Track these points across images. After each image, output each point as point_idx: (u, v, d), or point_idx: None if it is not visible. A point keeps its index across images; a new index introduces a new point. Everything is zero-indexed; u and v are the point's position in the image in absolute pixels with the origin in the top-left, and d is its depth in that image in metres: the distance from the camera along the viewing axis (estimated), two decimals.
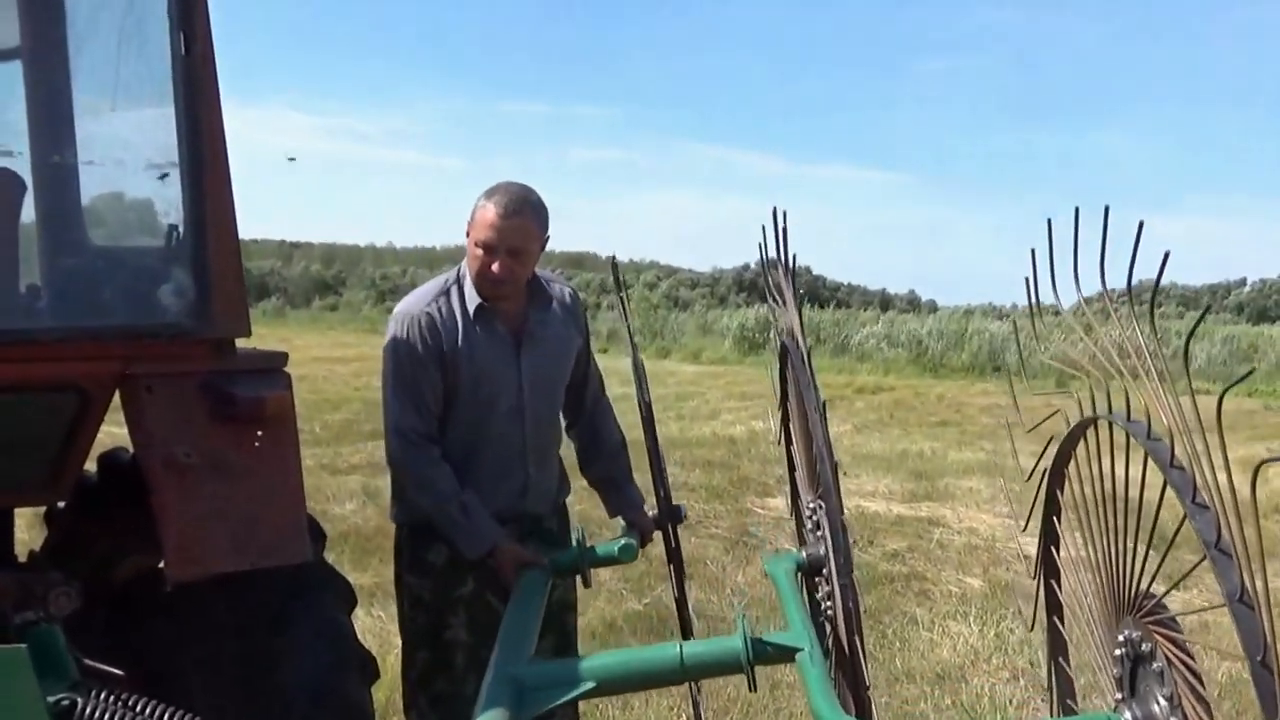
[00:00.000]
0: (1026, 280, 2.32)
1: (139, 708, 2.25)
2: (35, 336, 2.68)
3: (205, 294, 2.76)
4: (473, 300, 3.47)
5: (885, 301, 61.06)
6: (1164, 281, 1.99)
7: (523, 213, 3.38)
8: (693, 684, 3.93)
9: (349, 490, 9.76)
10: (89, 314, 2.82)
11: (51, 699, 2.17)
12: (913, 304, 63.31)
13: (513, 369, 3.53)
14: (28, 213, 2.88)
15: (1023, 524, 2.87)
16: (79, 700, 2.20)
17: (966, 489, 11.26)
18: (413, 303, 3.53)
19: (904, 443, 14.55)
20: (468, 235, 3.44)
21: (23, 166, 2.93)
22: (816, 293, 54.45)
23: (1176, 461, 1.97)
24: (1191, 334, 1.84)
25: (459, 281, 3.53)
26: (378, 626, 5.83)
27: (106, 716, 2.21)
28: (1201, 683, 2.11)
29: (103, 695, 2.24)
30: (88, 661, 2.35)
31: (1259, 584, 1.73)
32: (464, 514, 3.39)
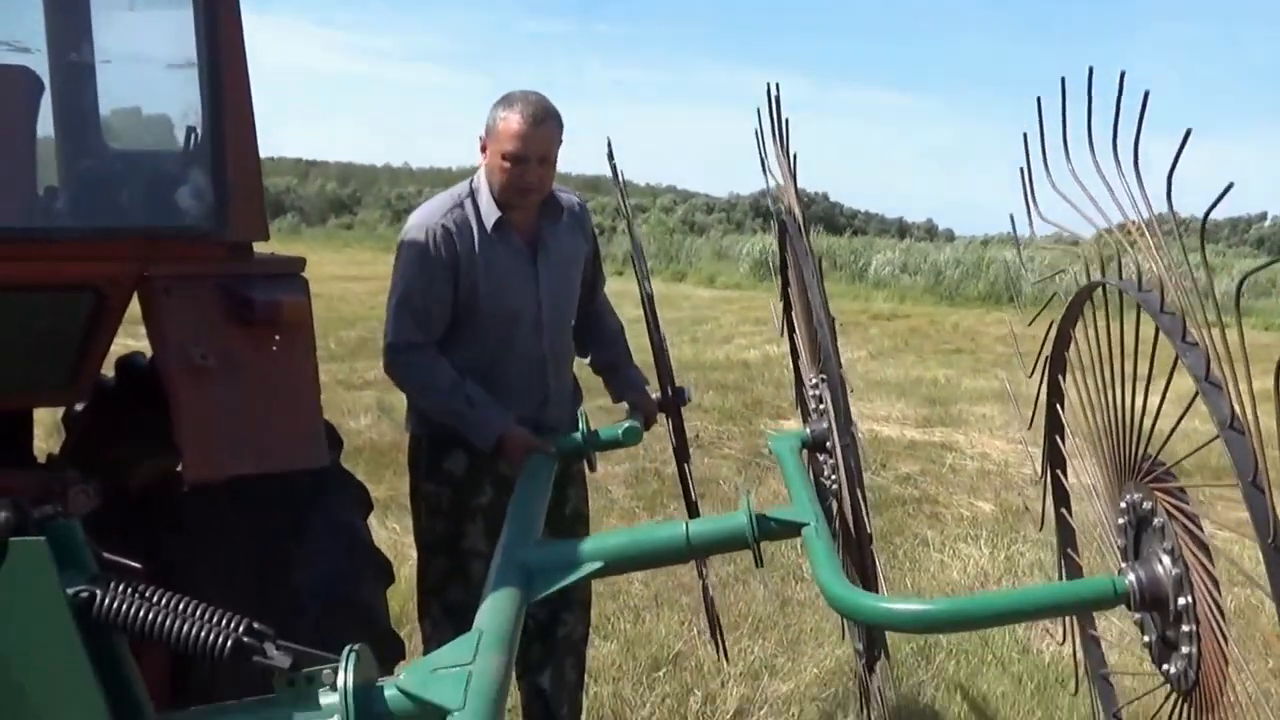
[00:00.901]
0: (1021, 170, 2.31)
1: (157, 599, 2.27)
2: (53, 235, 2.68)
3: (223, 197, 2.76)
4: (491, 213, 3.46)
5: (903, 230, 60.60)
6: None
7: (548, 120, 3.37)
8: (707, 596, 3.97)
9: (364, 405, 9.81)
10: (106, 215, 2.82)
11: (71, 591, 2.19)
12: (930, 233, 62.89)
13: (530, 280, 3.53)
14: (45, 113, 2.87)
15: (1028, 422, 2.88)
16: (98, 592, 2.22)
17: (979, 415, 11.27)
18: (427, 215, 3.51)
19: (918, 369, 14.54)
20: (484, 149, 3.42)
21: (41, 67, 2.92)
22: (834, 219, 54.19)
23: (1168, 308, 1.99)
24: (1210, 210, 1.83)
25: (473, 194, 3.51)
26: (392, 539, 5.88)
27: (125, 608, 2.23)
28: (1202, 531, 2.13)
29: (121, 587, 2.26)
30: (106, 555, 2.37)
31: (1249, 411, 1.77)
32: (469, 405, 3.38)
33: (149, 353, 3.32)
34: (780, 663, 5.01)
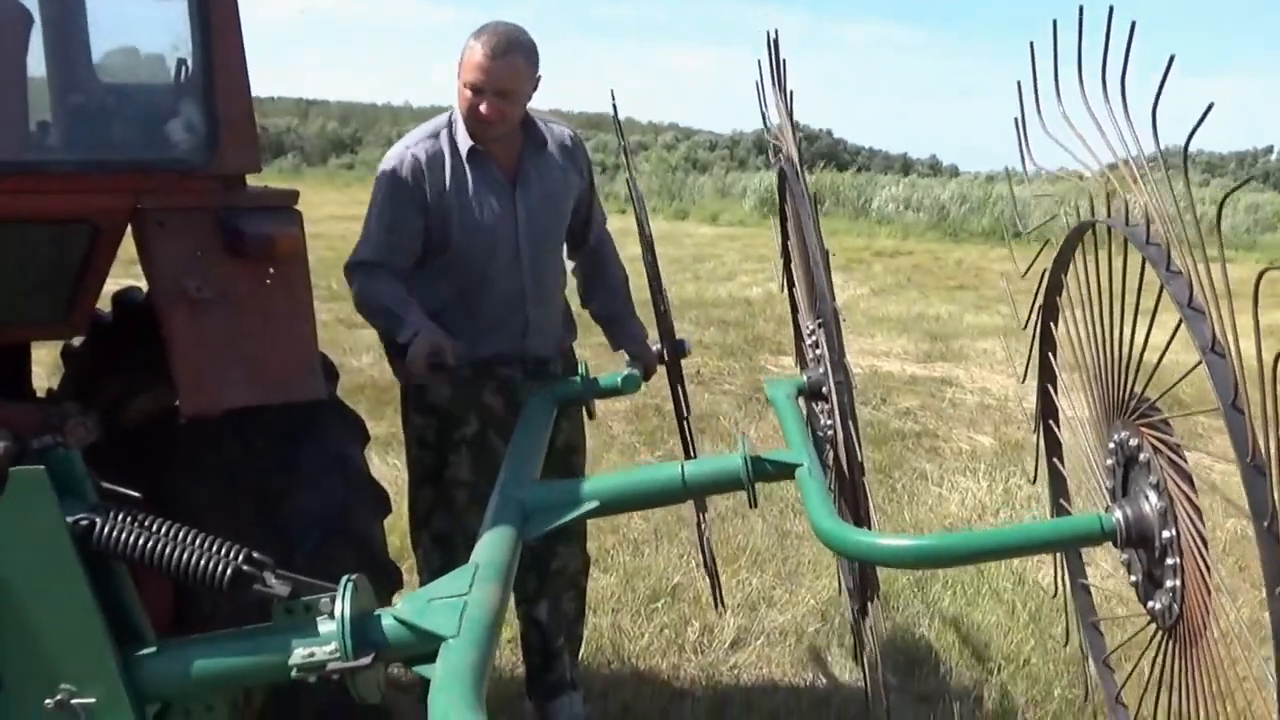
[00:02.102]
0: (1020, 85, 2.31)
1: (156, 528, 2.31)
2: (46, 169, 2.68)
3: (214, 130, 2.75)
4: (464, 143, 3.46)
5: (906, 166, 60.31)
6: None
7: (511, 52, 3.32)
8: (703, 531, 4.01)
9: (365, 343, 9.80)
10: (99, 148, 2.81)
11: (71, 519, 2.22)
12: (934, 168, 62.55)
13: (508, 211, 3.51)
14: (35, 45, 2.85)
15: (1022, 372, 2.89)
16: (98, 520, 2.25)
17: (981, 350, 11.29)
18: (401, 145, 3.53)
19: (920, 305, 14.54)
20: (458, 77, 3.40)
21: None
22: (837, 156, 53.81)
23: (1153, 240, 2.01)
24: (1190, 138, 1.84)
25: (451, 125, 3.51)
26: (392, 474, 5.90)
27: (125, 536, 2.26)
28: (1189, 475, 2.16)
29: (121, 516, 2.29)
30: (105, 485, 2.40)
31: (1229, 336, 1.81)
32: (402, 306, 3.35)
33: (145, 289, 3.35)
34: (777, 594, 5.06)
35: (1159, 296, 2.06)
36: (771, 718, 3.96)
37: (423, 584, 3.63)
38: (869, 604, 3.08)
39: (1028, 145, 2.43)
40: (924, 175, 44.00)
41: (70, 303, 2.81)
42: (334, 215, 19.22)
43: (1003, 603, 4.92)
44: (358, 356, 9.29)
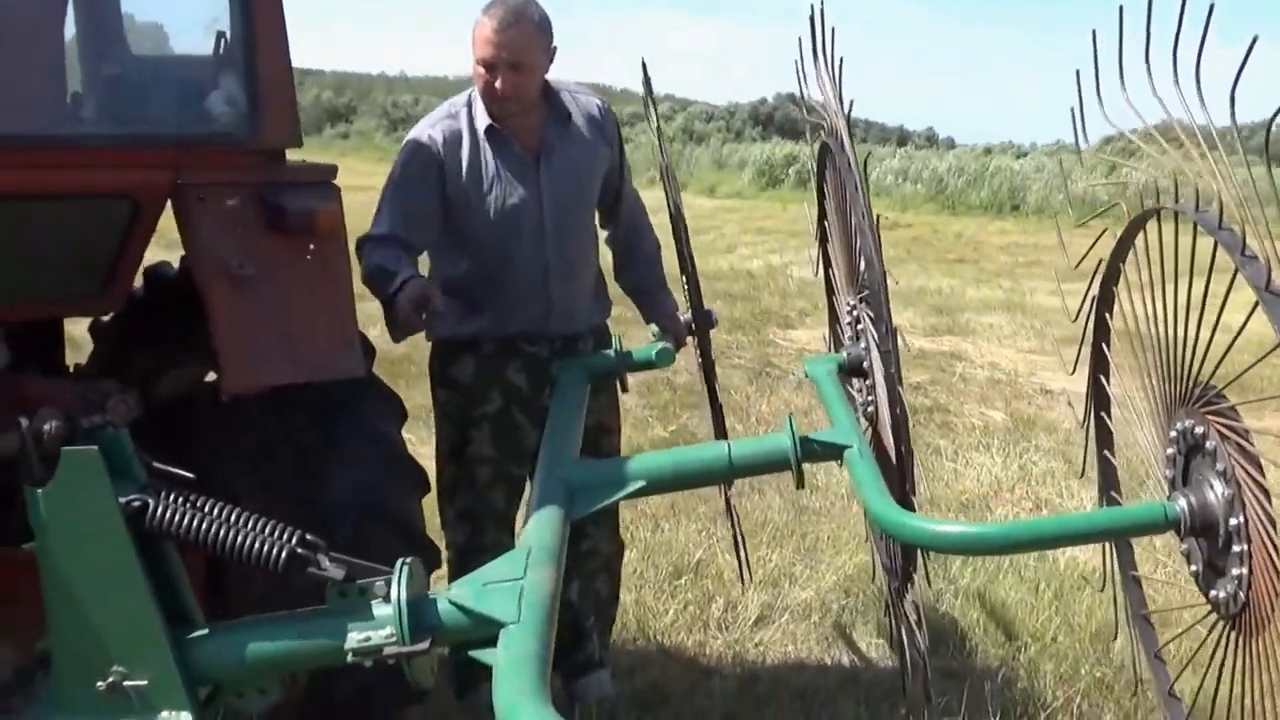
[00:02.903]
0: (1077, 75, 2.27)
1: (209, 509, 2.28)
2: (86, 143, 2.63)
3: (255, 103, 2.71)
4: (483, 121, 3.41)
5: (903, 138, 60.21)
6: (1241, 120, 1.96)
7: (520, 23, 3.26)
8: (731, 505, 3.99)
9: (371, 316, 9.75)
10: (139, 121, 2.77)
11: (124, 499, 2.20)
12: (930, 140, 62.46)
13: (532, 187, 3.45)
14: (70, 19, 2.81)
15: (1071, 366, 2.86)
16: (150, 501, 2.22)
17: (987, 325, 11.27)
18: (420, 125, 3.49)
19: (921, 279, 14.51)
20: (471, 54, 3.35)
21: None
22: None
23: (1225, 224, 1.97)
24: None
25: (469, 104, 3.46)
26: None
27: (178, 517, 2.23)
28: (1254, 446, 2.14)
29: (174, 497, 2.26)
30: (156, 464, 2.37)
31: None
32: (395, 262, 3.24)
33: (176, 264, 3.31)
34: (798, 570, 5.04)
35: (1231, 281, 2.04)
36: (800, 695, 3.95)
37: (449, 560, 3.65)
38: (910, 583, 3.07)
39: (1084, 133, 2.39)
40: (920, 147, 43.89)
41: (108, 278, 2.77)
42: None
43: (1024, 581, 4.90)
44: (365, 329, 9.22)
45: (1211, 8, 1.94)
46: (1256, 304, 1.93)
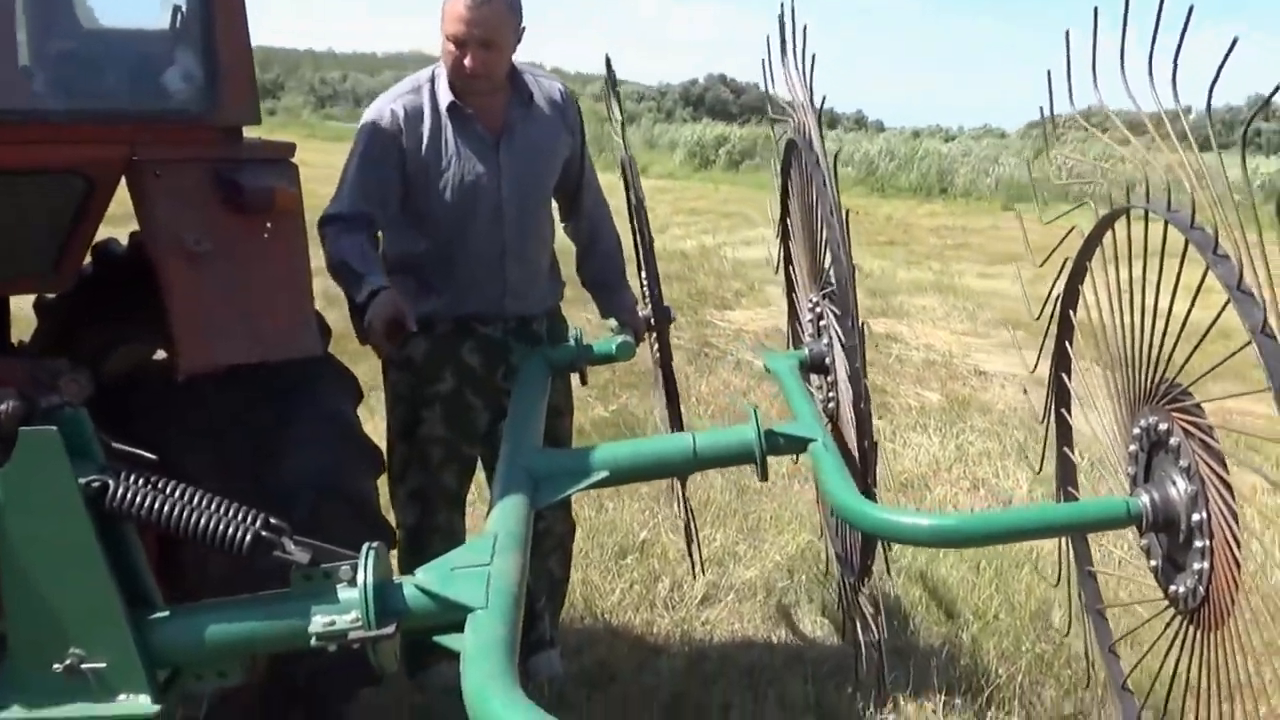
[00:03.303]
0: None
1: (170, 491, 2.24)
2: (41, 119, 2.57)
3: (213, 79, 2.66)
4: (445, 98, 3.39)
5: (832, 120, 60.39)
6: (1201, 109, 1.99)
7: (493, 1, 3.24)
8: (683, 493, 4.01)
9: (328, 297, 9.65)
10: (94, 97, 2.71)
11: (83, 480, 2.16)
12: (860, 123, 62.80)
13: (492, 167, 3.44)
14: None
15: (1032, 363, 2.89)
16: (110, 482, 2.19)
17: (920, 306, 11.40)
18: (381, 100, 3.46)
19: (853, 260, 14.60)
20: (441, 31, 3.33)
21: None
22: (764, 110, 53.65)
23: (1197, 224, 2.01)
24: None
25: (432, 80, 3.44)
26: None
27: (139, 499, 2.20)
28: (1218, 443, 2.18)
29: (134, 478, 2.22)
30: (116, 445, 2.33)
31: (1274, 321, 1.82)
32: (363, 262, 3.22)
33: (125, 241, 3.25)
34: (742, 550, 5.08)
35: (1202, 280, 2.07)
36: (747, 673, 3.98)
37: (400, 539, 3.63)
38: (869, 574, 3.11)
39: (1055, 134, 2.42)
40: (850, 129, 44.13)
41: (60, 255, 2.71)
42: None
43: (965, 559, 4.97)
44: (322, 308, 9.14)
45: (1191, 9, 1.97)
46: (1228, 302, 1.96)
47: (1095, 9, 2.16)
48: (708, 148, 31.51)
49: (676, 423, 3.83)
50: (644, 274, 3.68)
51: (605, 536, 5.08)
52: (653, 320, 3.75)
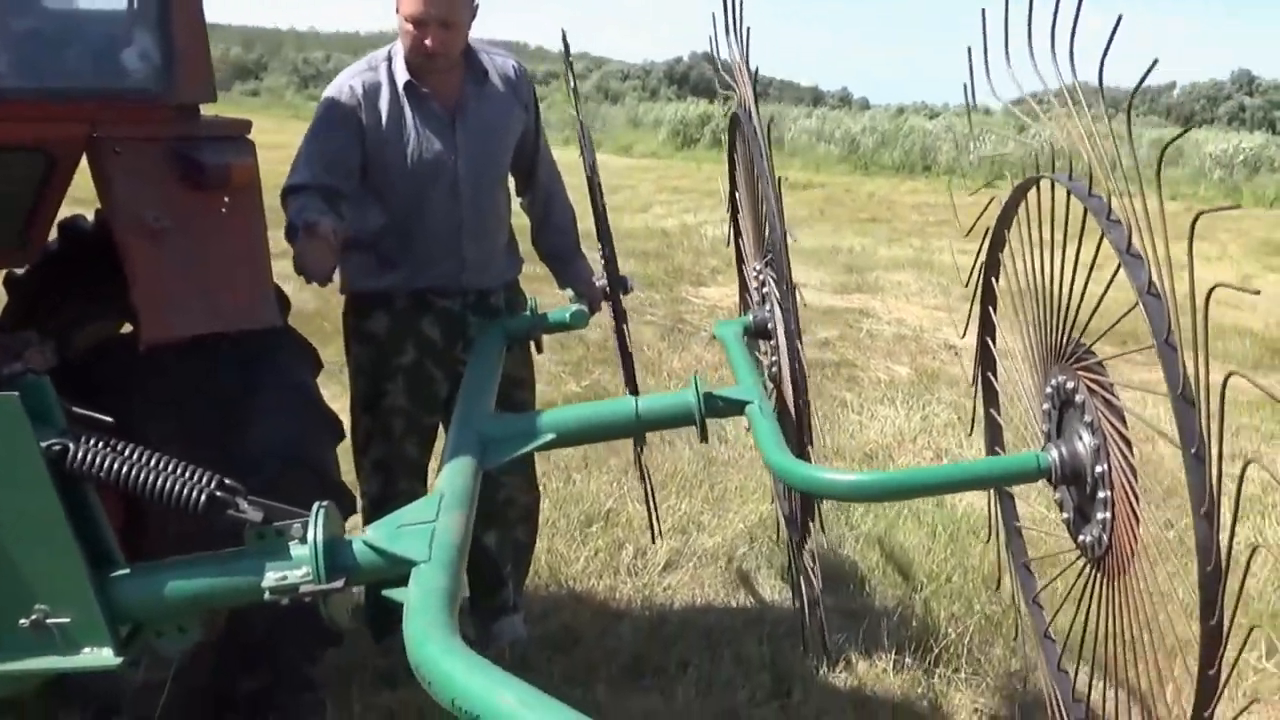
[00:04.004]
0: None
1: (128, 453, 2.34)
2: (3, 96, 2.66)
3: (169, 59, 2.76)
4: (402, 76, 3.48)
5: (817, 98, 60.50)
6: (1111, 85, 2.10)
7: None
8: (642, 463, 4.12)
9: (283, 273, 9.72)
10: (54, 76, 2.80)
11: (44, 443, 2.25)
12: (845, 101, 62.88)
13: (448, 144, 3.53)
14: None
15: (963, 325, 2.99)
16: (70, 445, 2.28)
17: (895, 282, 11.51)
18: (340, 78, 3.55)
19: (834, 239, 14.74)
20: (397, 11, 3.42)
21: None
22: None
23: (1094, 192, 2.12)
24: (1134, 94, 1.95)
25: (389, 59, 3.53)
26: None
27: (98, 460, 2.30)
28: (1118, 399, 2.30)
29: (93, 441, 2.32)
30: (76, 410, 2.43)
31: (1166, 281, 1.93)
32: (317, 211, 3.21)
33: (91, 217, 3.34)
34: (706, 519, 5.20)
35: (1098, 245, 2.19)
36: (706, 636, 4.10)
37: (363, 509, 3.74)
38: (808, 532, 3.22)
39: (974, 104, 2.52)
40: (835, 108, 44.20)
41: (25, 231, 2.81)
42: None
43: (923, 525, 5.11)
44: (283, 284, 9.21)
45: (1119, 18, 2.09)
46: (1119, 266, 2.08)
47: None
48: (691, 126, 31.58)
49: (631, 386, 3.93)
50: (601, 244, 3.77)
51: (572, 507, 5.19)
52: (609, 290, 3.84)
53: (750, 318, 3.51)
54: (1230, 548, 1.91)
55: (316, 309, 7.99)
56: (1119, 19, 1.99)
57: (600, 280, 3.85)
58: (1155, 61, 1.86)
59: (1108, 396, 2.31)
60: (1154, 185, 1.97)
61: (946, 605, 4.36)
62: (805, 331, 9.12)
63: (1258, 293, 2.22)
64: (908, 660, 3.95)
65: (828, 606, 4.30)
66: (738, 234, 3.98)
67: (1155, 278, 1.96)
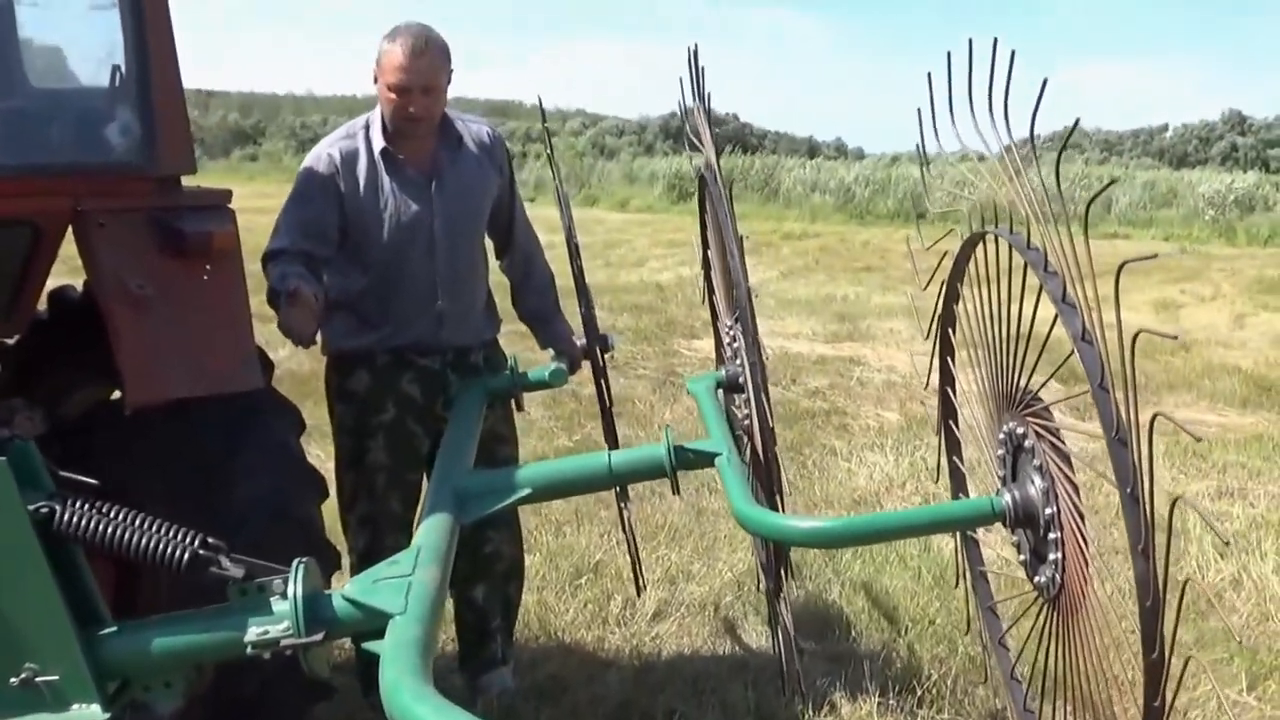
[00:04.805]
0: (920, 111, 2.50)
1: (114, 514, 2.43)
2: None
3: (151, 132, 2.87)
4: (379, 143, 3.61)
5: (812, 149, 60.90)
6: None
7: (429, 50, 3.48)
8: (625, 515, 4.19)
9: (279, 337, 9.83)
10: (40, 152, 2.91)
11: (32, 507, 2.34)
12: (840, 150, 63.27)
13: (425, 206, 3.65)
14: None
15: (926, 352, 3.08)
16: (57, 508, 2.37)
17: (887, 330, 11.61)
18: (319, 146, 3.69)
19: (828, 288, 14.86)
20: (376, 80, 3.54)
21: None
22: (744, 140, 54.18)
23: (1034, 245, 2.22)
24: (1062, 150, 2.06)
25: (367, 126, 3.66)
26: (315, 463, 6.00)
27: (84, 522, 2.38)
28: (1064, 444, 2.38)
29: (79, 504, 2.40)
30: (63, 474, 2.51)
31: (1098, 326, 2.04)
32: (298, 276, 3.33)
33: (80, 287, 3.43)
34: (695, 569, 5.26)
35: (1038, 296, 2.28)
36: (692, 683, 4.15)
37: (352, 564, 3.81)
38: (782, 579, 3.29)
39: (929, 168, 2.63)
40: (830, 158, 44.53)
41: (12, 302, 2.91)
42: (240, 208, 19.03)
43: (909, 568, 5.17)
44: (274, 350, 9.20)
45: (1012, 54, 2.20)
46: (1057, 315, 2.17)
47: (949, 54, 2.37)
48: (686, 179, 31.77)
49: (611, 441, 4.02)
50: (581, 304, 3.87)
51: (562, 560, 5.26)
52: (589, 350, 3.93)
53: (723, 372, 3.61)
54: (1166, 583, 1.99)
55: (311, 370, 8.09)
56: (1044, 82, 2.10)
57: (581, 339, 3.95)
58: (1078, 120, 2.01)
59: (1054, 441, 2.39)
60: (1086, 234, 2.06)
61: (930, 647, 4.42)
62: (796, 380, 9.26)
63: (1175, 337, 2.33)
64: (891, 702, 4.00)
65: (813, 651, 4.38)
66: (711, 291, 4.08)
67: (1072, 289, 2.06)
